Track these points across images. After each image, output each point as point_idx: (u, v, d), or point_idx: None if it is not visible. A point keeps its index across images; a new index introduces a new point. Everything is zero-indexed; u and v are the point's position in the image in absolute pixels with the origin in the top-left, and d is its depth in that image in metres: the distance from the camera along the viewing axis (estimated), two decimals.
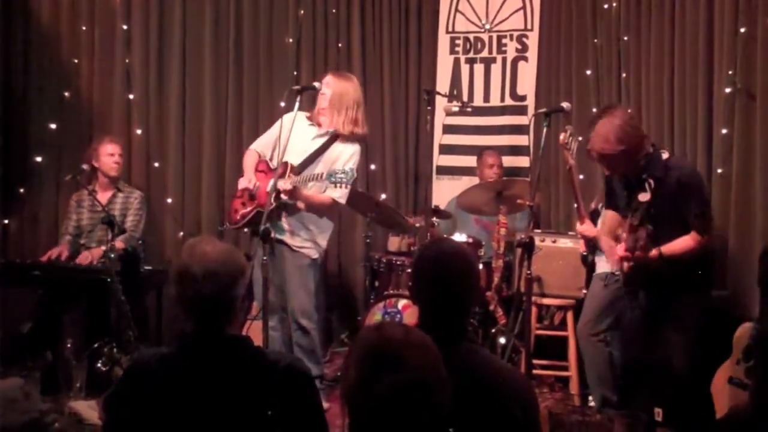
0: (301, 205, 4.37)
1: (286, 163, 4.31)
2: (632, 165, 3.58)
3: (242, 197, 4.53)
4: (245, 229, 4.61)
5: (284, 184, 4.19)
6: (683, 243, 3.53)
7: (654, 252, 3.51)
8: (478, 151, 5.74)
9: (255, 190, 4.40)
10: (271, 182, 4.16)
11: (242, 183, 4.47)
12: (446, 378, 1.67)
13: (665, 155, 3.66)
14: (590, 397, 4.51)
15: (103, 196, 5.08)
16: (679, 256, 3.53)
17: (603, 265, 4.34)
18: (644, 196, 3.48)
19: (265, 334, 3.94)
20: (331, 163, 4.38)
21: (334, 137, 4.44)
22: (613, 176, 3.79)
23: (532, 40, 5.89)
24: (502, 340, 4.61)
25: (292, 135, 4.06)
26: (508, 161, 5.75)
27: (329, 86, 4.43)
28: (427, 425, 1.62)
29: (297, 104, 4.11)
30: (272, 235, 4.07)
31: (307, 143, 4.43)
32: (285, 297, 4.47)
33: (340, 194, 4.35)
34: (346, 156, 4.40)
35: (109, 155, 5.10)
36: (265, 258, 3.94)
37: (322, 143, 4.44)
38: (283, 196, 4.24)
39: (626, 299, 3.93)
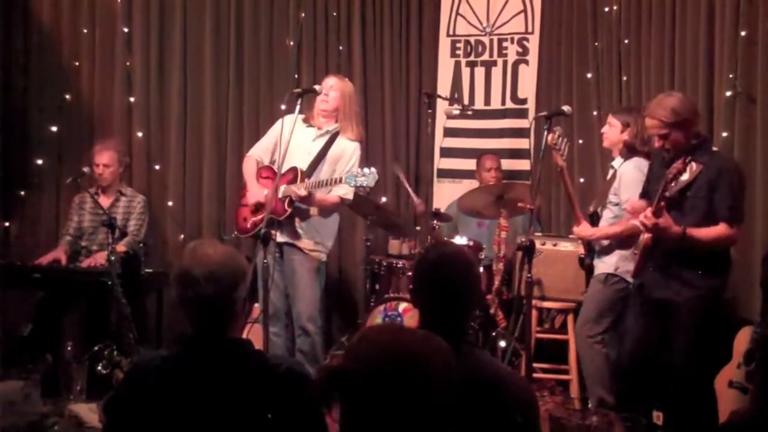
0: (314, 211, 4.39)
1: (295, 168, 4.34)
2: (681, 140, 3.60)
3: (250, 205, 4.54)
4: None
5: (299, 191, 4.21)
6: (712, 230, 3.52)
7: (678, 229, 3.50)
8: (478, 154, 5.75)
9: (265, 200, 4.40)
10: (282, 188, 4.19)
11: (252, 197, 4.46)
12: (405, 380, 1.64)
13: (715, 148, 3.74)
14: (590, 400, 4.50)
15: (106, 199, 5.12)
16: (704, 241, 3.51)
17: (602, 267, 4.33)
18: (683, 177, 3.49)
19: (265, 336, 3.95)
20: (335, 162, 4.42)
21: (335, 135, 4.47)
22: (661, 151, 3.75)
23: (533, 44, 5.89)
24: (503, 344, 4.61)
25: (293, 137, 4.07)
26: (509, 164, 5.76)
27: (336, 89, 4.46)
28: (375, 417, 1.63)
29: (298, 107, 4.12)
30: (275, 238, 4.09)
31: (308, 144, 4.47)
32: (290, 302, 4.48)
33: (346, 191, 4.38)
34: (349, 152, 4.45)
35: (95, 166, 5.09)
36: (265, 261, 3.94)
37: (324, 143, 4.47)
38: (297, 202, 4.26)
39: (633, 296, 3.92)
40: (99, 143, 5.24)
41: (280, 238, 4.36)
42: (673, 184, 3.46)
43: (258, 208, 4.45)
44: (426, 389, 1.64)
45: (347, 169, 4.35)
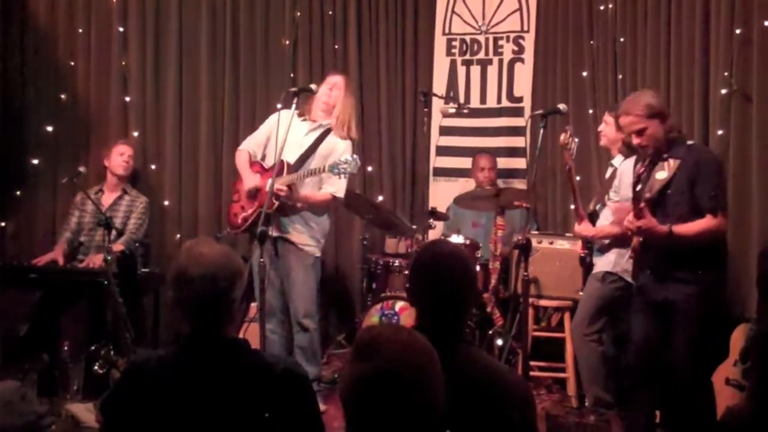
0: (299, 204, 4.40)
1: (282, 162, 4.34)
2: (657, 133, 3.59)
3: (240, 201, 4.55)
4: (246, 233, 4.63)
5: (279, 185, 4.22)
6: (697, 223, 3.50)
7: (664, 228, 3.49)
8: (474, 153, 5.75)
9: (259, 189, 4.41)
10: (269, 182, 4.19)
11: (250, 183, 4.47)
12: (431, 379, 1.68)
13: (690, 141, 3.72)
14: (586, 399, 4.51)
15: (110, 197, 5.17)
16: (691, 236, 3.49)
17: (600, 265, 4.33)
18: (662, 175, 3.49)
19: (262, 335, 3.95)
20: (325, 158, 4.43)
21: (327, 132, 4.48)
22: (639, 149, 3.74)
23: (529, 42, 5.89)
24: (500, 342, 4.62)
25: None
26: (505, 163, 5.76)
27: (339, 87, 4.50)
28: (403, 419, 1.63)
29: (294, 105, 4.12)
30: (272, 234, 4.08)
31: (300, 138, 4.48)
32: (286, 299, 4.49)
33: (337, 188, 4.39)
34: (340, 149, 4.45)
35: (119, 155, 5.22)
36: (262, 260, 3.94)
37: (316, 137, 4.48)
38: (280, 195, 4.27)
39: (634, 298, 3.91)
40: (120, 139, 5.40)
41: (273, 232, 4.37)
42: (647, 184, 3.45)
43: (254, 193, 4.45)
44: (440, 383, 1.70)
45: None
